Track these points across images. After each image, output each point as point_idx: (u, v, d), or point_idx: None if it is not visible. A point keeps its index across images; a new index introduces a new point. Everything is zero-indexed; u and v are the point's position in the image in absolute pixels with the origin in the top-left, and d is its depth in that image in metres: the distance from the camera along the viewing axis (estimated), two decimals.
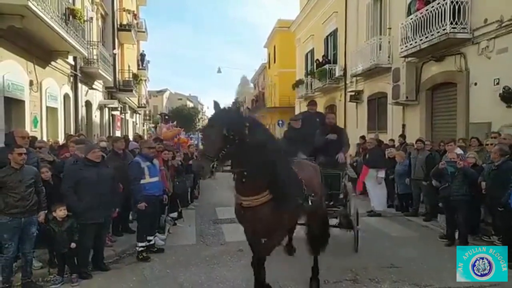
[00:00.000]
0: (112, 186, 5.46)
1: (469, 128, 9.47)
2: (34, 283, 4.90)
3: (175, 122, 12.72)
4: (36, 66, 10.01)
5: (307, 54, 23.44)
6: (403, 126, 12.59)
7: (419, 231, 7.63)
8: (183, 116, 66.82)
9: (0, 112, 8.20)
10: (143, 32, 26.63)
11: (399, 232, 7.53)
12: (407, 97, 11.66)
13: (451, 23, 9.31)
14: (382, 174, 8.99)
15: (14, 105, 9.13)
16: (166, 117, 23.65)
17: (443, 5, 9.46)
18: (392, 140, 11.62)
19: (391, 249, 6.35)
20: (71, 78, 13.00)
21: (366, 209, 9.05)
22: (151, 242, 6.16)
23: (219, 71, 38.47)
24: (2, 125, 8.15)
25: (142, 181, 5.84)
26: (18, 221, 4.65)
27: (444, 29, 9.46)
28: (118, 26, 19.99)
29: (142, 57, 28.89)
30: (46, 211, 5.01)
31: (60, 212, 4.99)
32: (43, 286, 4.93)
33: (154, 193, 6.03)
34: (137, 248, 5.96)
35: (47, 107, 10.82)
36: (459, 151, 7.57)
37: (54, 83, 11.43)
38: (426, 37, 10.15)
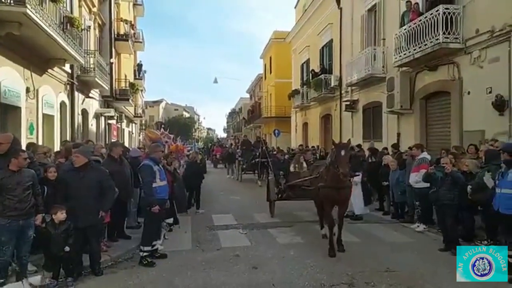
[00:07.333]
0: (98, 191, 5.38)
1: (463, 136, 9.59)
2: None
3: (162, 130, 13.09)
4: (33, 73, 10.03)
5: (302, 64, 23.68)
6: (398, 134, 12.71)
7: (414, 237, 7.65)
8: (179, 126, 67.12)
9: None
10: (140, 42, 26.84)
11: (395, 238, 7.55)
12: (401, 106, 11.81)
13: (444, 33, 9.50)
14: (357, 178, 9.15)
15: (10, 111, 9.12)
16: (162, 126, 23.80)
17: (435, 16, 9.66)
18: (386, 148, 11.72)
19: (387, 254, 6.36)
20: (68, 86, 13.01)
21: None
22: (155, 247, 6.08)
23: (215, 81, 38.44)
24: None
25: (153, 185, 5.83)
26: (16, 223, 4.64)
27: (437, 39, 9.64)
28: (115, 36, 20.12)
29: (139, 67, 28.99)
30: (43, 214, 4.99)
31: (61, 216, 4.97)
32: None
33: (163, 197, 6.04)
34: (141, 253, 5.86)
35: (43, 114, 10.80)
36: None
37: (51, 91, 11.44)
38: (420, 47, 10.33)
